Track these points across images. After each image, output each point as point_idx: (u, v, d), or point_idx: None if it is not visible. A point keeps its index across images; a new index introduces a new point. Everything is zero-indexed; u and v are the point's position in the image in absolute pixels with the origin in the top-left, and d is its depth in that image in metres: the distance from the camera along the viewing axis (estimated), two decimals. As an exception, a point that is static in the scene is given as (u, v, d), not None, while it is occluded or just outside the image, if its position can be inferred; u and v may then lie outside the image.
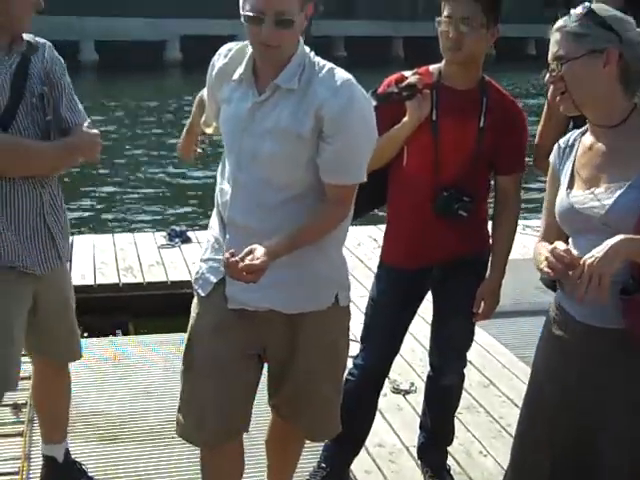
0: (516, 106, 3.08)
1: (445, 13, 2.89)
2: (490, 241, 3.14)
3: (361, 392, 3.30)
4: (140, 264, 6.11)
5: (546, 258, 2.12)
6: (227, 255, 2.25)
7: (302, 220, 2.39)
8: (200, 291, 2.56)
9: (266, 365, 2.66)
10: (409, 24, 38.99)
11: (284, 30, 2.29)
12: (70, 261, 3.37)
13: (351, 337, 4.79)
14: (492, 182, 3.12)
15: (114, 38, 30.49)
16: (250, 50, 2.43)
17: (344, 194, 2.47)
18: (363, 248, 6.58)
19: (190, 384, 2.57)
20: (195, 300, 2.61)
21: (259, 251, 2.25)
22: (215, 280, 2.51)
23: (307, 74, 2.39)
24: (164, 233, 6.83)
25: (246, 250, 2.26)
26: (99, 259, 6.15)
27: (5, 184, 2.76)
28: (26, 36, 2.85)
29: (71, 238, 3.27)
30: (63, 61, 2.96)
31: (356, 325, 4.85)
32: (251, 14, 2.29)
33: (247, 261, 2.23)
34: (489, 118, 2.97)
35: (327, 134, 2.36)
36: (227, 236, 2.48)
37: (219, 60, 2.52)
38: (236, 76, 2.45)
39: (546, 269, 2.14)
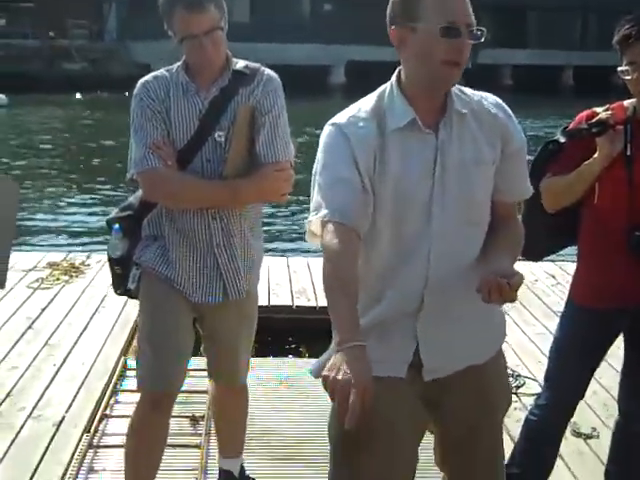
0: None
1: (626, 61, 2.79)
2: None
3: (544, 432, 3.17)
4: (314, 287, 6.17)
5: None
6: (494, 279, 2.01)
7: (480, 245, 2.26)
8: (382, 372, 2.16)
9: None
10: (580, 53, 38.09)
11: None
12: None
13: (528, 375, 4.69)
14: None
15: (283, 62, 31.80)
16: (389, 94, 2.20)
17: (514, 211, 2.37)
18: (540, 284, 6.37)
19: (352, 473, 2.25)
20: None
21: (507, 269, 2.07)
22: (411, 357, 2.24)
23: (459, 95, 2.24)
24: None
25: (495, 273, 2.05)
26: (273, 281, 6.27)
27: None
28: (241, 64, 2.84)
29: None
30: (280, 89, 2.85)
31: (533, 363, 4.76)
32: (448, 25, 2.07)
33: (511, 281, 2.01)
34: None
35: (509, 154, 2.25)
36: (429, 276, 2.19)
37: (356, 128, 2.16)
38: (401, 122, 2.15)
39: None
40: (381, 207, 2.16)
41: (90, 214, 11.62)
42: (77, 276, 6.47)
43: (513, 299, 2.03)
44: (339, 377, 1.86)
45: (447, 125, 2.18)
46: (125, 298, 5.75)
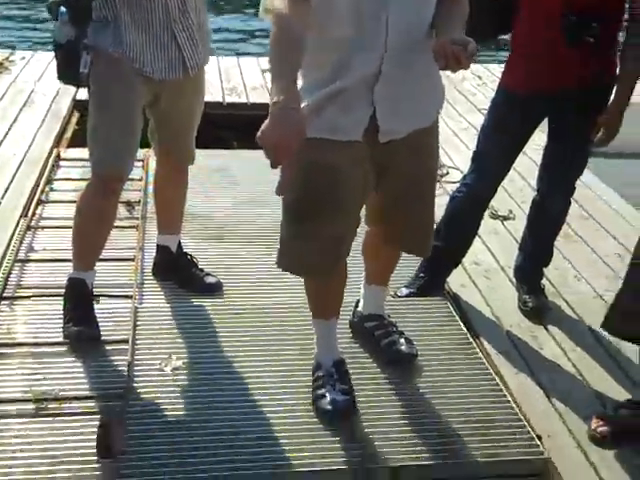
0: None
1: None
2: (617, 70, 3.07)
3: (467, 210, 3.38)
4: (244, 86, 6.19)
5: None
6: (450, 46, 2.10)
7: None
8: (342, 136, 2.39)
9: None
10: None
11: None
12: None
13: (451, 165, 4.91)
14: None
15: None
16: None
17: None
18: (467, 84, 6.50)
19: (313, 226, 2.48)
20: (318, 146, 2.36)
21: (462, 37, 2.16)
22: (367, 121, 2.38)
23: None
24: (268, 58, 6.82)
25: (451, 41, 2.14)
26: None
27: None
28: None
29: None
30: None
31: (457, 154, 4.97)
32: None
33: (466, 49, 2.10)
34: None
35: None
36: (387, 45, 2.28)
37: None
38: None
39: None
40: None
41: (10, 9, 11.09)
42: (1, 72, 6.31)
43: (468, 66, 2.15)
44: (272, 136, 1.99)
45: None
46: (54, 93, 5.78)
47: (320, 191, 2.44)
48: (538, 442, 2.62)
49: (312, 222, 2.48)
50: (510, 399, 2.82)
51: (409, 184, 2.58)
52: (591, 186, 4.60)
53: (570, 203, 3.41)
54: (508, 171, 3.33)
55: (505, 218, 4.21)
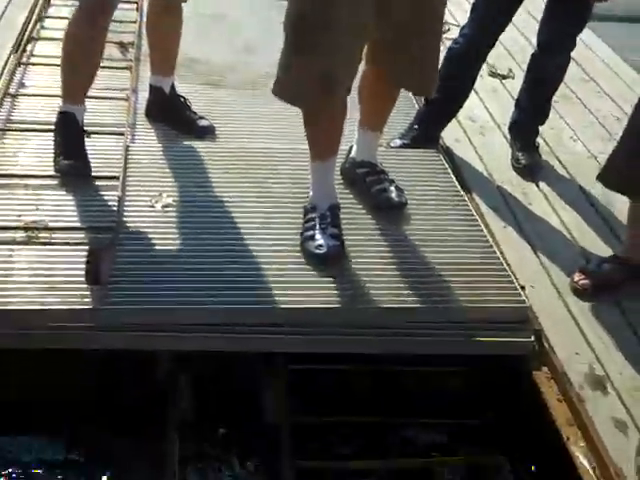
0: None
1: None
2: None
3: (464, 60, 3.31)
4: None
5: None
6: None
7: None
8: None
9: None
10: None
11: None
12: None
13: (453, 22, 4.78)
14: None
15: None
16: None
17: None
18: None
19: (310, 59, 2.48)
20: None
21: None
22: None
23: None
24: None
25: None
26: None
27: None
28: None
29: None
30: None
31: (460, 12, 4.83)
32: None
33: None
34: None
35: None
36: None
37: None
38: None
39: None
40: None
41: None
42: None
43: None
44: None
45: None
46: None
47: (318, 21, 2.42)
48: (521, 291, 2.66)
49: (310, 54, 2.46)
50: (496, 250, 2.85)
51: (412, 23, 2.54)
52: (593, 48, 4.52)
53: (569, 60, 3.35)
54: (507, 23, 3.25)
55: (504, 77, 4.15)
